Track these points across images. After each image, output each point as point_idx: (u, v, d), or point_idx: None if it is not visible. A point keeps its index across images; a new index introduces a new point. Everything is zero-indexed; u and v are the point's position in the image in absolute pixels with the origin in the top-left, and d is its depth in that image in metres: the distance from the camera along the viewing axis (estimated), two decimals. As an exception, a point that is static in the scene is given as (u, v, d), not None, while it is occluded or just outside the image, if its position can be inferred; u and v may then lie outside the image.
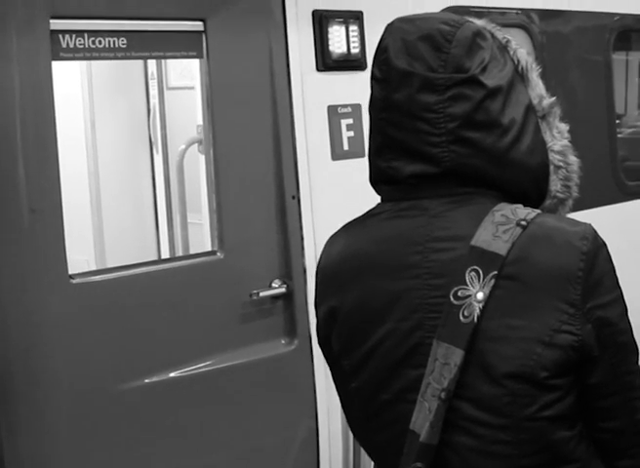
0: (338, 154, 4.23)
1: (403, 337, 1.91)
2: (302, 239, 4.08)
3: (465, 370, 1.84)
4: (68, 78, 5.49)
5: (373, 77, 2.02)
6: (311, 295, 3.96)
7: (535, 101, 2.00)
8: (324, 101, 4.20)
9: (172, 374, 3.73)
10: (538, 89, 2.02)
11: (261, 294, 3.95)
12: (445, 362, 1.84)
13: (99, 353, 3.55)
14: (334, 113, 4.22)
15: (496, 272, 1.83)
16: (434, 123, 1.91)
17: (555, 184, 2.02)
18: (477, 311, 1.83)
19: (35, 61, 3.39)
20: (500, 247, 1.84)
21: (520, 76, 2.00)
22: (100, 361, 3.55)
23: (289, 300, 4.06)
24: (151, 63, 5.60)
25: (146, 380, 3.66)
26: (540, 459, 1.86)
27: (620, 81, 6.26)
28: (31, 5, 3.38)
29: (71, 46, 3.50)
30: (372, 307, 1.96)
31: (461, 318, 1.83)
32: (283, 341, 4.07)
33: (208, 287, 3.86)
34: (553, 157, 2.00)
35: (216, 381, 3.85)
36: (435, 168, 1.93)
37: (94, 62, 5.34)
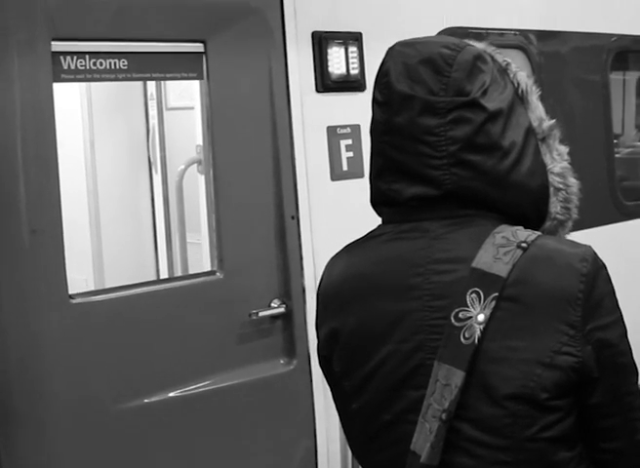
0: (337, 174, 4.24)
1: (404, 359, 1.92)
2: (302, 259, 4.08)
3: (466, 392, 1.84)
4: (68, 98, 5.50)
5: (374, 100, 2.03)
6: (310, 315, 3.99)
7: (535, 124, 2.02)
8: (323, 122, 4.21)
9: (171, 394, 3.73)
10: (537, 111, 2.04)
11: (261, 314, 3.95)
12: (446, 383, 1.85)
13: (98, 373, 3.54)
14: (333, 134, 4.23)
15: (497, 294, 1.84)
16: (435, 146, 1.93)
17: (555, 206, 2.03)
18: (478, 333, 1.84)
19: (36, 83, 3.40)
20: (501, 269, 1.86)
21: (520, 99, 2.02)
22: (99, 381, 3.55)
23: (288, 320, 4.05)
24: (151, 84, 5.61)
25: (146, 400, 3.66)
26: None
27: (618, 101, 6.28)
28: (33, 27, 3.40)
29: (72, 67, 3.52)
30: (373, 328, 1.97)
31: (462, 339, 1.84)
32: (282, 361, 4.06)
33: (207, 307, 3.86)
34: (553, 179, 2.02)
35: (215, 401, 3.84)
36: (436, 190, 1.94)
37: (93, 83, 5.36)
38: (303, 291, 4.08)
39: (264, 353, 4.01)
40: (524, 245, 1.88)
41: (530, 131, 2.00)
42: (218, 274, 3.91)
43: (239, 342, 3.93)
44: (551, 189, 2.02)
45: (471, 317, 1.85)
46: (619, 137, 6.43)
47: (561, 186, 2.03)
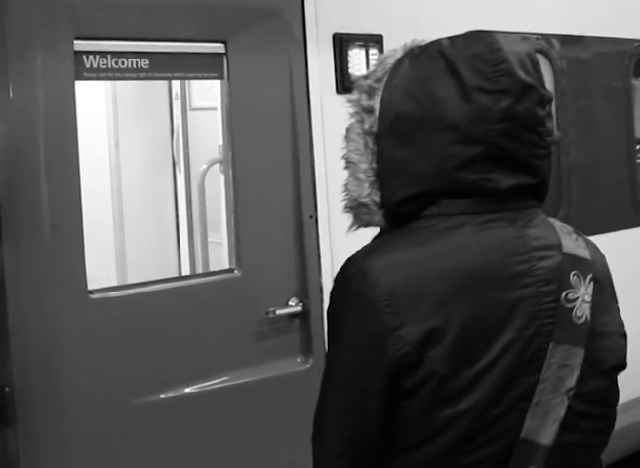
0: (356, 175, 4.25)
1: (525, 345, 1.93)
2: (319, 258, 4.10)
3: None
4: (93, 98, 5.56)
5: (479, 88, 1.96)
6: (327, 314, 4.00)
7: None
8: (343, 123, 4.22)
9: (187, 390, 3.75)
10: None
11: (278, 312, 3.98)
12: (564, 363, 1.94)
13: (115, 368, 3.58)
14: (352, 135, 4.24)
15: (592, 275, 2.00)
16: (542, 136, 2.01)
17: None
18: (588, 311, 1.97)
19: (59, 81, 3.45)
20: (585, 253, 2.03)
21: None
22: (116, 375, 3.58)
23: (305, 319, 4.08)
24: (175, 84, 5.65)
25: (162, 395, 3.69)
26: None
27: (639, 107, 6.27)
28: (56, 26, 3.45)
29: (94, 66, 3.57)
30: (486, 320, 1.92)
31: (575, 319, 1.96)
32: (299, 359, 4.09)
33: (225, 304, 3.89)
34: None
35: (231, 398, 3.87)
36: (532, 179, 2.02)
37: (119, 83, 5.42)
38: (321, 290, 4.10)
39: (281, 351, 4.04)
40: (579, 232, 2.06)
41: None
42: (236, 272, 3.94)
43: (256, 340, 3.96)
44: None
45: (578, 297, 1.97)
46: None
47: None
